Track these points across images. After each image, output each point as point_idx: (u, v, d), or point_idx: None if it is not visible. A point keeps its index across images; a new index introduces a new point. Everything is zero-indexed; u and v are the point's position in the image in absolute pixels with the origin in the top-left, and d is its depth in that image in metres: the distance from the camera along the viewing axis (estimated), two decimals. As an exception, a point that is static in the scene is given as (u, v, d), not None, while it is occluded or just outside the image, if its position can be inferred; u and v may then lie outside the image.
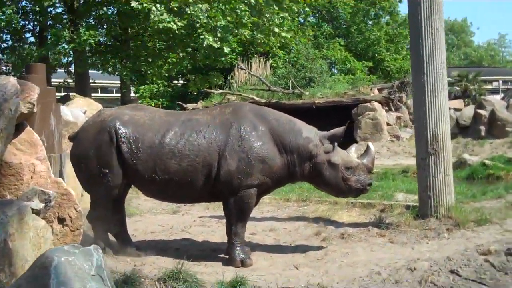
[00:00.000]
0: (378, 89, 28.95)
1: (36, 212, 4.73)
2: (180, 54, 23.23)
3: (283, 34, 21.16)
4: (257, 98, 28.17)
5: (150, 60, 23.09)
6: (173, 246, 8.36)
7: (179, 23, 18.39)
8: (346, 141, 8.19)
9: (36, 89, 4.91)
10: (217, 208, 11.48)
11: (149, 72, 23.74)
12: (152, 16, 17.90)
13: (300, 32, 27.20)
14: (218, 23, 18.82)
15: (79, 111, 12.36)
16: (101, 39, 22.52)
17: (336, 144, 7.73)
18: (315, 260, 7.59)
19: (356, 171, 7.72)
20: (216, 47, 19.34)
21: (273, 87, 29.22)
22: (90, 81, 26.46)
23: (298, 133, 7.67)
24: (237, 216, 7.52)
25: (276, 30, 20.92)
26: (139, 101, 41.37)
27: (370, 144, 8.17)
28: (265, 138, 7.49)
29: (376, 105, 25.80)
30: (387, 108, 29.36)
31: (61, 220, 5.03)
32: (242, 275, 6.31)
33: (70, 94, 17.78)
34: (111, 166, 7.27)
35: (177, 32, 19.05)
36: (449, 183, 8.89)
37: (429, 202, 8.85)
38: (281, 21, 21.10)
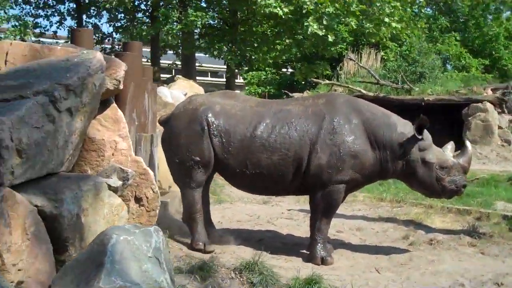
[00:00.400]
0: (492, 89, 27.66)
1: (114, 189, 4.76)
2: (287, 41, 22.93)
3: (394, 24, 20.38)
4: (364, 91, 27.60)
5: (256, 45, 22.98)
6: (256, 237, 8.36)
7: (285, 9, 18.16)
8: (454, 142, 7.78)
9: (123, 66, 4.91)
10: (308, 201, 11.35)
11: (254, 57, 23.63)
12: (259, 0, 17.76)
13: (412, 24, 26.18)
14: (326, 9, 18.35)
15: (179, 93, 12.52)
16: (210, 21, 22.60)
17: (431, 141, 7.41)
18: (398, 265, 7.36)
19: (451, 171, 7.38)
20: (320, 34, 18.93)
21: (381, 80, 28.55)
22: (197, 64, 26.70)
23: (393, 127, 7.37)
24: (323, 211, 7.36)
25: (386, 20, 20.18)
26: (246, 88, 41.70)
27: (468, 143, 7.78)
28: (358, 132, 7.24)
29: (488, 106, 24.53)
30: (499, 110, 28.15)
31: (138, 200, 5.05)
32: (318, 273, 6.21)
33: (176, 76, 18.00)
34: (202, 156, 7.23)
35: (283, 17, 18.84)
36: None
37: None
38: (392, 10, 20.30)
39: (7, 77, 4.37)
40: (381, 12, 20.21)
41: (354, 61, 30.46)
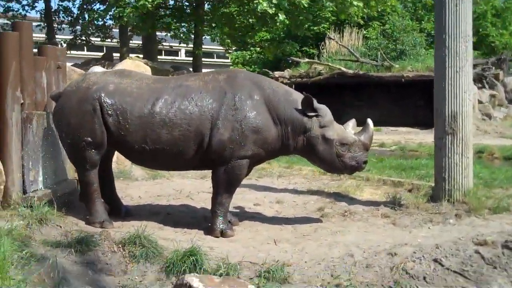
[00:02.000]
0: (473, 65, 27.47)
1: None
2: (251, 20, 22.67)
3: (355, 2, 20.01)
4: (344, 69, 27.61)
5: (213, 25, 22.81)
6: (166, 211, 8.27)
7: None
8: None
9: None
10: (252, 176, 11.28)
11: (216, 37, 23.49)
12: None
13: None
14: None
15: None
16: (170, 2, 22.47)
17: (331, 119, 7.37)
18: (300, 236, 7.26)
19: (351, 148, 7.35)
20: (270, 13, 18.70)
21: (362, 58, 28.51)
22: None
23: (294, 104, 7.29)
24: (225, 186, 7.29)
25: None
26: (230, 67, 41.68)
27: (369, 120, 7.67)
28: (260, 108, 7.17)
29: (468, 81, 24.38)
30: (480, 85, 27.97)
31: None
32: (197, 246, 6.05)
33: (131, 55, 17.90)
34: (94, 136, 7.09)
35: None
36: (467, 165, 8.23)
37: (443, 184, 8.25)
38: None
39: None
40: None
41: (334, 39, 30.34)
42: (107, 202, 7.74)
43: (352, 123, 7.64)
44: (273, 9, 18.09)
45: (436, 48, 8.48)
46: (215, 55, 56.12)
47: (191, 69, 23.28)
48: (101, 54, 27.91)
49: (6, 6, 27.02)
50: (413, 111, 29.40)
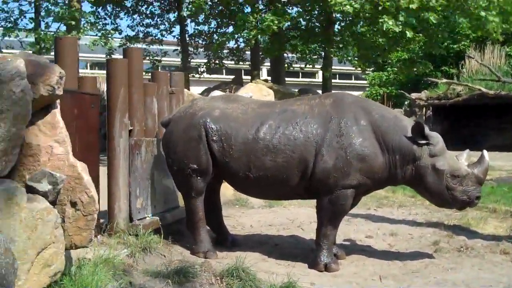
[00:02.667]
0: None
1: (43, 194, 4.81)
2: (380, 40, 22.15)
3: (491, 18, 18.89)
4: (484, 90, 26.25)
5: (341, 46, 22.51)
6: (274, 242, 8.18)
7: (356, 5, 17.46)
8: None
9: (56, 73, 4.93)
10: (371, 205, 10.93)
11: (346, 57, 23.17)
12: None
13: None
14: (408, 5, 17.32)
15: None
16: (301, 21, 22.51)
17: (443, 148, 6.94)
18: (408, 272, 6.91)
19: (464, 181, 6.88)
20: (397, 31, 18.06)
21: (504, 78, 27.09)
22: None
23: (403, 131, 6.94)
24: (329, 217, 7.06)
25: (482, 13, 18.75)
26: (367, 89, 41.10)
27: (485, 151, 7.12)
28: (366, 134, 6.87)
29: None
30: None
31: (73, 204, 5.08)
32: (293, 280, 5.88)
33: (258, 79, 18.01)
34: (199, 163, 7.11)
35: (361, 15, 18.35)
36: None
37: None
38: (487, 4, 18.80)
39: None
40: (476, 5, 18.82)
41: (473, 58, 29.08)
42: (214, 231, 7.73)
43: (466, 153, 7.19)
44: (400, 27, 17.51)
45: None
46: (353, 76, 55.74)
47: (319, 91, 23.12)
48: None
49: (145, 31, 28.31)
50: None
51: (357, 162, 6.78)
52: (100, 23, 24.69)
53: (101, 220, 6.81)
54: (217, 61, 28.30)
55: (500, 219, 9.43)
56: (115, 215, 6.93)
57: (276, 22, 18.22)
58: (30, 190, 4.87)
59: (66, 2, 20.99)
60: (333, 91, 12.97)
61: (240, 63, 28.71)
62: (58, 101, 5.29)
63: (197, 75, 29.27)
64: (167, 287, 5.85)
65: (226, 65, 30.08)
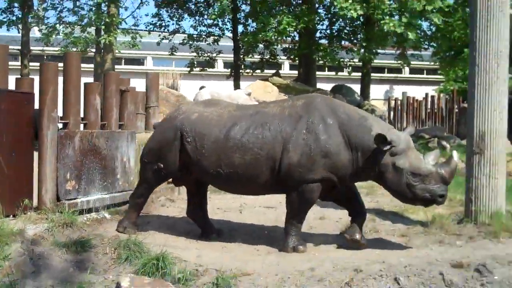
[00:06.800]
0: None
1: None
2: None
3: None
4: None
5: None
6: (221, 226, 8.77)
7: (360, 11, 17.72)
8: None
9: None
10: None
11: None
12: (335, 3, 17.63)
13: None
14: (412, 6, 17.41)
15: (241, 92, 13.36)
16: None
17: (406, 147, 7.29)
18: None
19: (426, 179, 7.18)
20: (399, 32, 18.16)
21: None
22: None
23: (367, 130, 7.33)
24: (297, 209, 7.60)
25: None
26: (441, 84, 40.26)
27: (455, 153, 7.47)
28: (332, 132, 7.34)
29: None
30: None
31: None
32: (165, 251, 6.72)
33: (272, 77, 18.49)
34: (166, 165, 7.86)
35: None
36: (495, 187, 7.87)
37: (470, 206, 8.04)
38: None
39: None
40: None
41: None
42: (201, 227, 8.46)
43: (434, 153, 7.47)
44: (402, 28, 17.64)
45: (469, 65, 8.25)
46: (424, 71, 55.06)
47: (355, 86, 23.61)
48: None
49: (207, 31, 30.79)
50: None
51: (321, 158, 7.26)
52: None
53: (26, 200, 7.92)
54: (270, 58, 29.03)
55: (445, 207, 9.75)
56: (42, 196, 8.07)
57: (294, 24, 18.80)
58: None
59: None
60: (332, 92, 13.47)
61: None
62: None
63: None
64: (64, 255, 6.91)
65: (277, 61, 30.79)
